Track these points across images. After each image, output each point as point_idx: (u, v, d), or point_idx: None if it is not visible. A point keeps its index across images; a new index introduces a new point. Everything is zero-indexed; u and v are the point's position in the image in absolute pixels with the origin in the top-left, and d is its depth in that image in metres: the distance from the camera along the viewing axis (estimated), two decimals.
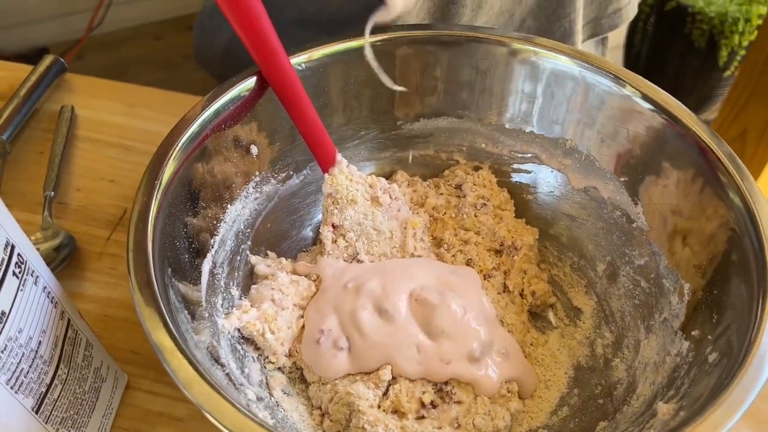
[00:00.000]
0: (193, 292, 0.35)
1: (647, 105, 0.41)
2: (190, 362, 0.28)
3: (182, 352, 0.28)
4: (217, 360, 0.33)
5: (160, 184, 0.35)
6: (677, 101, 0.41)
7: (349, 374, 0.39)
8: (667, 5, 1.72)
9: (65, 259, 0.47)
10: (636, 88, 0.41)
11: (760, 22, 1.66)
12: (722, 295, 0.35)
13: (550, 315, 0.46)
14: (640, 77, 0.42)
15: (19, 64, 0.64)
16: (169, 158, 0.37)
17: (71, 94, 0.62)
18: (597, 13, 0.71)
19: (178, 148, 0.37)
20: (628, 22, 0.76)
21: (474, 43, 0.45)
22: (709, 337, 0.34)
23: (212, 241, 0.40)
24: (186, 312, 0.33)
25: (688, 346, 0.35)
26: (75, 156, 0.56)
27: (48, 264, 0.45)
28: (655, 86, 0.41)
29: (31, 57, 2.11)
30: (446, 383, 0.39)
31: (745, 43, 1.68)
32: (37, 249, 0.46)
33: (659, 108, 0.41)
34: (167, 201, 0.35)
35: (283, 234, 0.46)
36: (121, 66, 2.12)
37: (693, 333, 0.36)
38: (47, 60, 0.61)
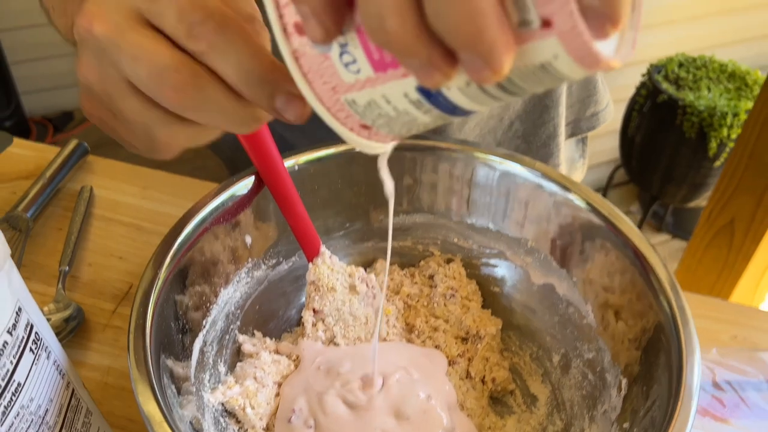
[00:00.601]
0: (181, 369, 0.40)
1: (595, 217, 0.46)
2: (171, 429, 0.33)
3: (168, 423, 0.33)
4: (197, 429, 0.38)
5: (162, 271, 0.41)
6: (619, 212, 0.46)
7: None
8: (659, 97, 1.81)
9: (73, 330, 0.52)
10: (583, 198, 0.47)
11: (746, 116, 1.74)
12: (650, 372, 0.39)
13: (510, 400, 0.50)
14: (587, 188, 0.47)
15: (47, 145, 0.70)
16: (173, 247, 0.42)
17: (91, 174, 0.68)
18: (576, 115, 0.78)
19: (181, 238, 0.43)
20: (606, 122, 0.83)
21: (447, 152, 0.51)
22: (635, 429, 0.38)
23: (204, 321, 0.45)
24: (173, 387, 0.37)
25: None
26: (90, 233, 0.62)
27: (58, 333, 0.50)
28: (600, 197, 0.47)
29: (57, 120, 2.22)
30: None
31: (733, 136, 1.76)
32: (49, 319, 0.51)
33: (603, 218, 0.46)
34: (167, 286, 0.41)
35: (270, 315, 0.51)
36: None
37: (624, 425, 0.40)
38: (72, 144, 0.68)
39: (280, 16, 0.26)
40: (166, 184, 0.68)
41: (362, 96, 0.27)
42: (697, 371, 0.36)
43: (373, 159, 0.52)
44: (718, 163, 1.81)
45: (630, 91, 2.00)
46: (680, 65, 1.92)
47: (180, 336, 0.42)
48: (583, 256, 0.48)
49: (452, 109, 0.26)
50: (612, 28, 0.22)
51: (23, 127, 2.17)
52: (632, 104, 1.97)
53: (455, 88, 0.25)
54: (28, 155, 0.69)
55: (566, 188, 0.47)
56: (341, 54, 0.26)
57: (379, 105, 0.27)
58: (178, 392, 0.38)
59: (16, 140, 0.69)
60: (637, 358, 0.41)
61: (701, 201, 1.93)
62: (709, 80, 1.89)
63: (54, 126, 2.27)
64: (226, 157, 0.79)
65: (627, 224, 0.45)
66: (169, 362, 0.39)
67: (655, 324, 0.41)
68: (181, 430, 0.34)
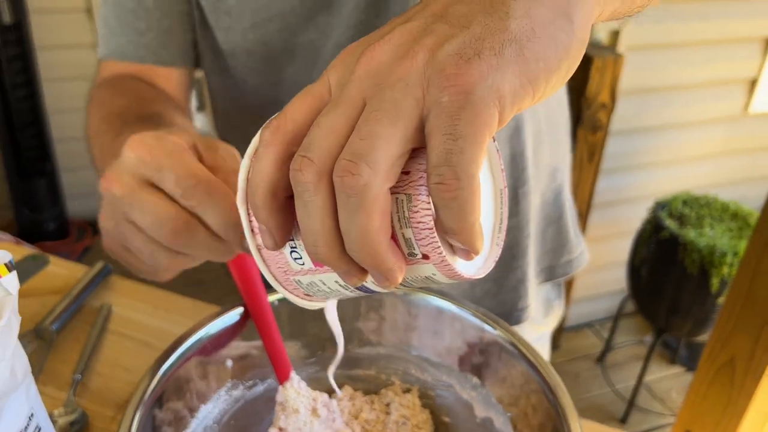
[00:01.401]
0: None
1: (527, 365, 0.54)
2: None
3: None
4: None
5: (150, 388, 0.49)
6: (535, 351, 0.54)
7: None
8: (662, 233, 1.89)
9: None
10: (519, 348, 0.55)
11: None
12: None
13: None
14: (526, 342, 0.55)
15: (76, 264, 0.82)
16: (161, 369, 0.51)
17: (111, 292, 0.79)
18: (551, 262, 0.87)
19: (170, 361, 0.52)
20: (581, 268, 0.91)
21: (403, 294, 0.60)
22: None
23: None
24: None
25: None
26: (104, 346, 0.71)
27: None
28: (534, 347, 0.55)
29: (96, 224, 2.38)
30: None
31: (734, 274, 1.81)
32: (56, 421, 0.60)
33: (533, 366, 0.54)
34: (152, 401, 0.49)
35: (243, 430, 0.59)
36: None
37: None
38: (98, 266, 0.79)
39: (250, 221, 0.37)
40: (179, 305, 0.78)
41: (305, 278, 0.37)
42: None
43: (342, 300, 0.61)
44: (720, 299, 1.85)
45: (638, 224, 2.08)
46: (684, 203, 2.01)
47: None
48: (515, 393, 0.55)
49: (369, 291, 0.36)
50: (474, 255, 0.32)
51: (64, 230, 2.35)
52: (639, 237, 2.05)
53: (370, 282, 0.34)
54: (60, 273, 0.80)
55: (503, 333, 0.56)
56: (291, 251, 0.36)
57: (317, 285, 0.37)
58: None
59: (54, 259, 0.80)
60: None
61: (705, 336, 1.95)
62: (712, 219, 1.96)
63: (93, 229, 2.44)
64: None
65: (548, 369, 0.53)
66: None
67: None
68: None
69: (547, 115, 0.81)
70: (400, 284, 0.33)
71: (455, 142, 0.28)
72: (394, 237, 0.31)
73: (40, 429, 0.44)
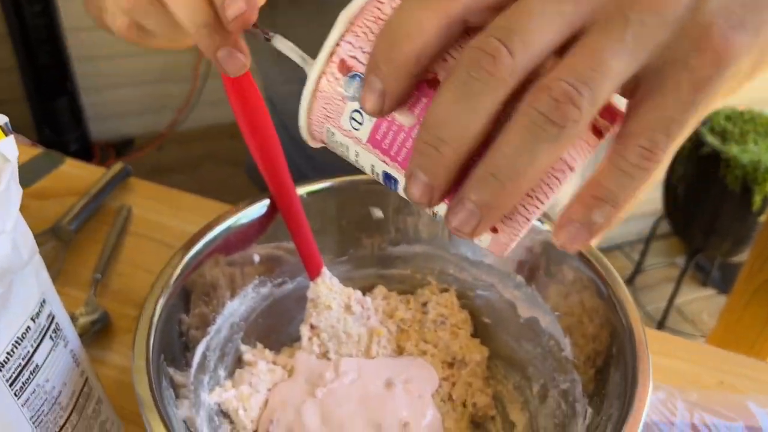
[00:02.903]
0: (181, 376, 0.44)
1: (577, 260, 0.49)
2: (163, 421, 0.37)
3: (159, 413, 0.38)
4: (190, 428, 0.42)
5: (173, 281, 0.46)
6: (601, 255, 0.49)
7: None
8: (703, 149, 1.80)
9: (98, 331, 0.58)
10: None
11: None
12: (604, 399, 0.42)
13: (490, 425, 0.53)
14: None
15: (94, 166, 0.78)
16: (184, 260, 0.47)
17: (131, 194, 0.75)
18: None
19: (192, 253, 0.48)
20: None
21: None
22: None
23: (209, 329, 0.49)
24: (171, 390, 0.42)
25: None
26: (124, 247, 0.68)
27: (83, 333, 0.56)
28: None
29: (119, 146, 2.36)
30: None
31: None
32: (78, 320, 0.57)
33: (585, 260, 0.49)
34: (176, 295, 0.46)
35: (273, 329, 0.56)
36: (197, 159, 2.34)
37: None
38: (117, 167, 0.75)
39: (338, 43, 0.29)
40: (196, 206, 0.74)
41: (341, 138, 0.31)
42: (646, 405, 0.39)
43: (374, 194, 0.56)
44: (762, 218, 1.78)
45: None
46: (727, 118, 1.91)
47: (183, 339, 0.46)
48: (565, 292, 0.50)
49: (394, 188, 0.31)
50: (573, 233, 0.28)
51: (87, 151, 2.32)
52: (677, 155, 1.96)
53: (434, 209, 0.30)
54: (78, 174, 0.76)
55: (550, 227, 0.51)
56: (355, 110, 0.30)
57: (347, 151, 0.32)
58: (176, 396, 0.42)
59: (69, 160, 0.76)
60: (599, 388, 0.44)
61: (745, 256, 1.89)
62: (756, 134, 1.87)
63: (116, 150, 2.41)
64: (264, 188, 0.86)
65: (603, 263, 0.48)
66: (170, 369, 0.43)
67: (619, 355, 0.43)
68: (171, 418, 0.38)
69: None
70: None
71: (682, 114, 0.26)
72: None
73: (54, 318, 0.40)
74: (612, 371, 0.43)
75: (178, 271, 0.46)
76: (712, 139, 1.81)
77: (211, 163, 2.33)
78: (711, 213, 1.89)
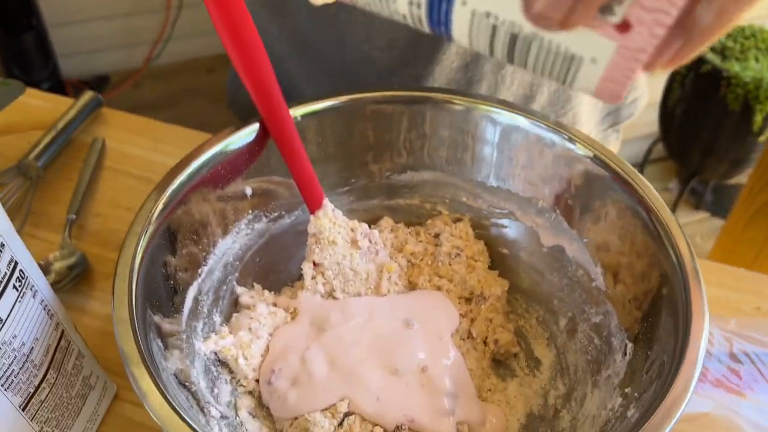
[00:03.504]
0: (168, 324, 0.39)
1: (609, 174, 0.44)
2: (152, 377, 0.32)
3: (147, 368, 0.32)
4: (184, 382, 0.37)
5: (154, 217, 0.40)
6: (634, 170, 0.44)
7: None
8: (703, 68, 1.74)
9: (76, 277, 0.52)
10: (597, 155, 0.44)
11: None
12: (653, 333, 0.37)
13: (513, 363, 0.48)
14: (601, 145, 0.45)
15: (62, 97, 0.70)
16: (166, 194, 0.41)
17: (105, 127, 0.68)
18: (617, 104, 0.74)
19: (175, 185, 0.42)
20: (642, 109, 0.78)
21: (457, 106, 0.49)
22: (635, 393, 0.36)
23: (200, 270, 0.44)
24: (159, 341, 0.37)
25: (620, 402, 0.37)
26: (100, 184, 0.62)
27: (61, 280, 0.50)
28: (616, 155, 0.44)
29: (94, 83, 2.25)
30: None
31: None
32: (53, 266, 0.51)
33: (617, 175, 0.43)
34: (159, 234, 0.40)
35: (271, 268, 0.50)
36: (175, 96, 2.24)
37: (626, 390, 0.38)
38: (86, 96, 0.68)
39: None
40: (178, 138, 0.67)
41: None
42: (704, 336, 0.34)
43: (380, 114, 0.50)
44: (762, 138, 1.74)
45: None
46: (727, 34, 1.84)
47: (171, 284, 0.41)
48: (595, 216, 0.45)
49: (439, 22, 0.24)
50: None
51: (60, 90, 2.21)
52: (674, 75, 1.90)
53: (469, 12, 0.22)
54: (44, 106, 0.69)
55: (579, 144, 0.45)
56: None
57: None
58: (165, 347, 0.37)
59: (32, 91, 0.69)
60: (642, 320, 0.39)
61: (742, 177, 1.86)
62: (758, 51, 1.80)
63: (91, 89, 2.30)
64: (245, 117, 0.78)
65: (642, 182, 0.42)
66: (157, 317, 0.38)
67: (664, 285, 0.39)
68: (160, 373, 0.33)
69: None
70: (512, 46, 0.21)
71: None
72: None
73: (17, 264, 0.35)
74: (658, 307, 0.39)
75: (159, 206, 0.40)
76: (712, 57, 1.74)
77: (190, 99, 2.24)
78: (709, 134, 1.84)
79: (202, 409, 0.37)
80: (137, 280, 0.37)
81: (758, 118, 1.70)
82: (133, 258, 0.37)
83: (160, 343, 0.37)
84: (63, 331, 0.39)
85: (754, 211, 1.60)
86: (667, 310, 0.37)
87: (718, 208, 2.34)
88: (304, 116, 0.48)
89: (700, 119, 1.82)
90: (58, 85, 2.22)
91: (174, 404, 0.31)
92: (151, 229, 0.39)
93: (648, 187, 0.42)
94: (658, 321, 0.38)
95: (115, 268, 0.37)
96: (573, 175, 0.46)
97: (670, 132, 1.96)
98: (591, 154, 0.45)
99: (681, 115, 1.89)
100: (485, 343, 0.48)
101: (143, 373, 0.32)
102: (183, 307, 0.42)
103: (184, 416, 0.31)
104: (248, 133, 0.46)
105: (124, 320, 0.34)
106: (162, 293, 0.40)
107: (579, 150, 0.45)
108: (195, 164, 0.43)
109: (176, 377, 0.36)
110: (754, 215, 1.60)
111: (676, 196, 2.08)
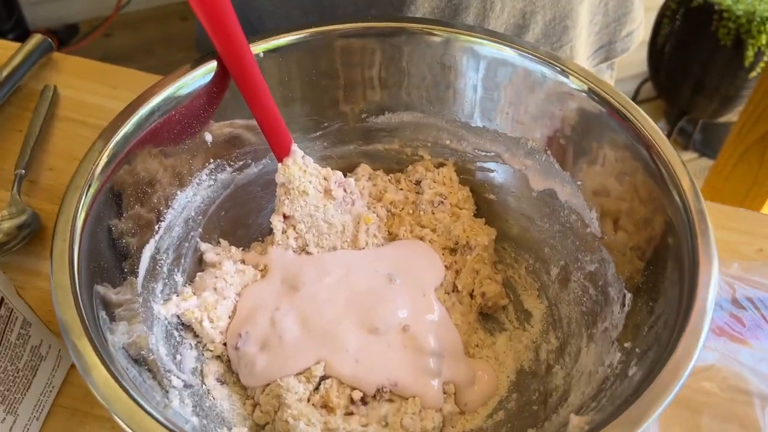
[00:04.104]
0: (118, 290, 0.35)
1: (605, 110, 0.40)
2: (96, 350, 0.28)
3: (90, 339, 0.29)
4: (138, 353, 0.34)
5: (99, 169, 0.35)
6: (633, 104, 0.40)
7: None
8: (694, 2, 1.68)
9: (27, 237, 0.48)
10: (592, 88, 0.40)
11: None
12: (656, 285, 0.34)
13: (502, 317, 0.45)
14: (597, 77, 0.41)
15: (8, 42, 0.65)
16: (112, 142, 0.37)
17: (57, 73, 0.63)
18: (610, 37, 0.69)
19: (123, 131, 0.37)
20: (639, 41, 0.74)
21: (436, 38, 0.44)
22: (637, 349, 0.33)
23: (157, 227, 0.40)
24: (104, 312, 0.33)
25: (619, 358, 0.34)
26: (52, 135, 0.57)
27: (9, 241, 0.46)
28: (613, 87, 0.40)
29: (62, 33, 2.15)
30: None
31: None
32: (1, 225, 0.47)
33: (614, 110, 0.39)
34: (105, 187, 0.36)
35: (238, 222, 0.46)
36: (148, 45, 2.15)
37: (626, 344, 0.35)
38: (35, 39, 0.62)
39: None
40: (138, 83, 0.61)
41: None
42: (713, 284, 0.31)
43: (352, 50, 0.45)
44: (753, 74, 1.69)
45: None
46: None
47: (122, 242, 0.37)
48: (590, 156, 0.41)
49: None
50: None
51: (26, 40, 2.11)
52: (663, 11, 1.84)
53: None
54: None
55: (573, 78, 0.41)
56: None
57: None
58: (110, 318, 0.33)
59: None
60: (644, 269, 0.36)
61: (732, 116, 1.82)
62: None
63: (59, 39, 2.19)
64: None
65: (643, 118, 0.38)
66: (103, 283, 0.34)
67: (667, 230, 0.35)
68: (110, 353, 0.29)
69: None
70: None
71: None
72: None
73: None
74: (662, 256, 0.35)
75: (104, 158, 0.36)
76: None
77: (164, 49, 2.16)
78: (699, 71, 1.80)
79: (160, 382, 0.34)
80: (80, 241, 0.33)
81: (750, 53, 1.65)
82: (75, 216, 0.33)
83: (107, 312, 0.33)
84: (2, 299, 0.35)
85: (744, 148, 1.57)
86: (672, 259, 0.34)
87: (707, 148, 2.32)
88: (267, 52, 0.43)
89: (691, 55, 1.78)
90: (24, 35, 2.11)
91: (121, 381, 0.27)
92: (95, 183, 0.35)
93: (648, 123, 0.38)
94: (663, 271, 0.34)
95: (54, 226, 0.33)
96: (566, 111, 0.42)
97: (659, 70, 1.92)
98: (586, 88, 0.40)
99: (671, 52, 1.84)
100: (471, 296, 0.44)
101: (86, 345, 0.28)
102: (137, 268, 0.38)
103: (133, 394, 0.27)
104: (204, 73, 0.41)
105: (64, 287, 0.30)
106: (110, 256, 0.35)
107: (573, 84, 0.41)
108: (144, 110, 0.38)
109: (125, 350, 0.32)
110: (745, 153, 1.57)
111: (665, 136, 2.04)
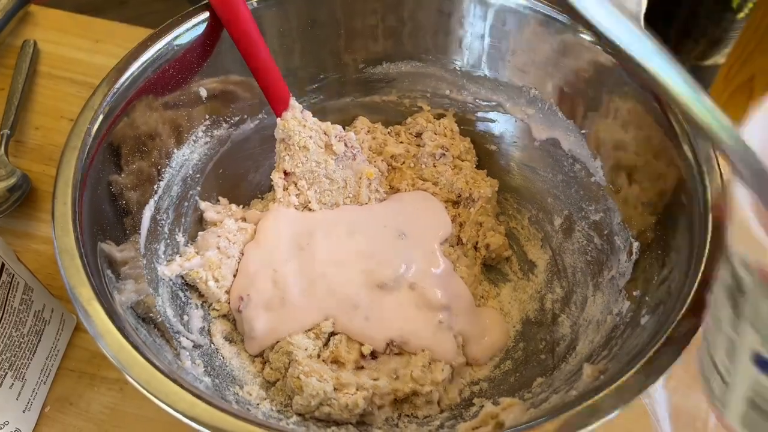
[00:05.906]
0: (122, 251, 0.34)
1: (610, 56, 0.39)
2: (108, 314, 0.28)
3: (102, 304, 0.28)
4: (146, 314, 0.33)
5: (95, 129, 0.34)
6: None
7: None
8: None
9: (18, 200, 0.47)
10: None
11: None
12: (667, 238, 0.34)
13: (505, 267, 0.45)
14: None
15: None
16: (107, 99, 0.36)
17: (35, 28, 0.60)
18: None
19: (116, 88, 0.36)
20: None
21: None
22: (647, 298, 0.33)
23: (155, 186, 0.39)
24: (111, 271, 0.32)
25: (629, 306, 0.35)
26: (36, 93, 0.55)
27: (1, 204, 0.45)
28: None
29: None
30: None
31: None
32: None
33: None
34: (102, 148, 0.34)
35: (237, 180, 0.45)
36: None
37: (634, 293, 0.35)
38: None
39: None
40: (122, 36, 0.59)
41: None
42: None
43: None
44: (741, 16, 1.68)
45: None
46: None
47: (122, 203, 0.36)
48: (595, 104, 0.41)
49: None
50: None
51: None
52: None
53: None
54: None
55: (576, 22, 0.40)
56: None
57: None
58: (117, 277, 0.33)
59: None
60: (653, 220, 0.36)
61: (719, 58, 1.82)
62: None
63: None
64: None
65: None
66: (107, 244, 0.33)
67: (676, 180, 0.35)
68: (119, 315, 0.29)
69: None
70: None
71: None
72: None
73: None
74: (673, 211, 0.35)
75: (100, 116, 0.35)
76: None
77: None
78: (685, 16, 1.78)
79: (169, 342, 0.33)
80: (81, 203, 0.32)
81: None
82: (74, 177, 0.32)
83: (113, 270, 0.32)
84: (3, 265, 0.34)
85: (732, 90, 1.57)
86: (683, 213, 0.33)
87: None
88: (261, 1, 0.41)
89: (676, 1, 1.76)
90: None
91: (135, 344, 0.27)
92: (92, 142, 0.34)
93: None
94: (671, 221, 0.34)
95: (54, 190, 0.32)
96: (570, 58, 0.41)
97: (645, 17, 1.89)
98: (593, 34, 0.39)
99: None
100: (476, 248, 0.44)
101: (97, 309, 0.28)
102: (140, 229, 0.37)
103: (150, 357, 0.27)
104: (197, 23, 0.39)
105: (70, 251, 0.29)
106: (112, 216, 0.35)
107: (582, 32, 0.40)
108: (137, 65, 0.37)
109: (134, 310, 0.32)
110: (733, 94, 1.57)
111: None
